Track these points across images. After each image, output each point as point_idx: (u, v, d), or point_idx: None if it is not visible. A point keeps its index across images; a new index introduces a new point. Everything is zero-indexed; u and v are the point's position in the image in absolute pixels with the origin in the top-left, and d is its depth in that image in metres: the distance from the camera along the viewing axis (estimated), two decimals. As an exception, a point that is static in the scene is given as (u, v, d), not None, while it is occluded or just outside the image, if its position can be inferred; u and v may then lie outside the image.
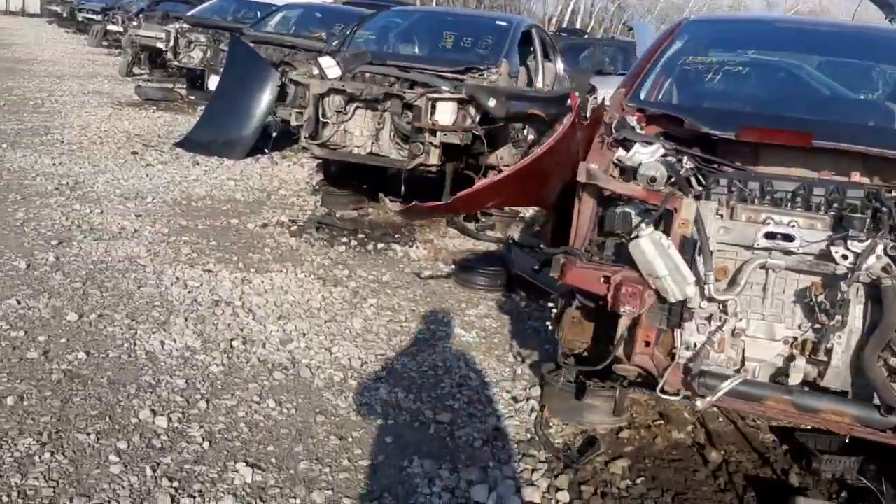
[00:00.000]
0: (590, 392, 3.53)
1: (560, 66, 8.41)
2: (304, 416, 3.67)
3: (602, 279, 2.66)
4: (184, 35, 12.90)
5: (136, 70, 16.65)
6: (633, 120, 3.02)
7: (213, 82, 9.66)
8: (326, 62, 6.45)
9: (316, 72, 6.58)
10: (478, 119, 6.20)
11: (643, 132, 3.00)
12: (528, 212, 7.44)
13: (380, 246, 6.38)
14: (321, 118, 6.47)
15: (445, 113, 6.14)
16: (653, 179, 2.70)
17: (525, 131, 6.97)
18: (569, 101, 6.36)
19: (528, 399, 3.95)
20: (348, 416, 3.71)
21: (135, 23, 15.91)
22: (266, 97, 9.27)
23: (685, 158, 2.85)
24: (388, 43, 7.61)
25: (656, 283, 2.56)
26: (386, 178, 7.64)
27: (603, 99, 3.22)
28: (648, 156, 2.76)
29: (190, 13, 13.72)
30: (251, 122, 9.30)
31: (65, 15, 30.45)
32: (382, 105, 6.35)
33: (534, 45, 7.71)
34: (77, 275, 5.09)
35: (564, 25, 40.64)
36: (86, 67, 17.59)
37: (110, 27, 21.49)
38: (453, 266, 5.97)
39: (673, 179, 2.76)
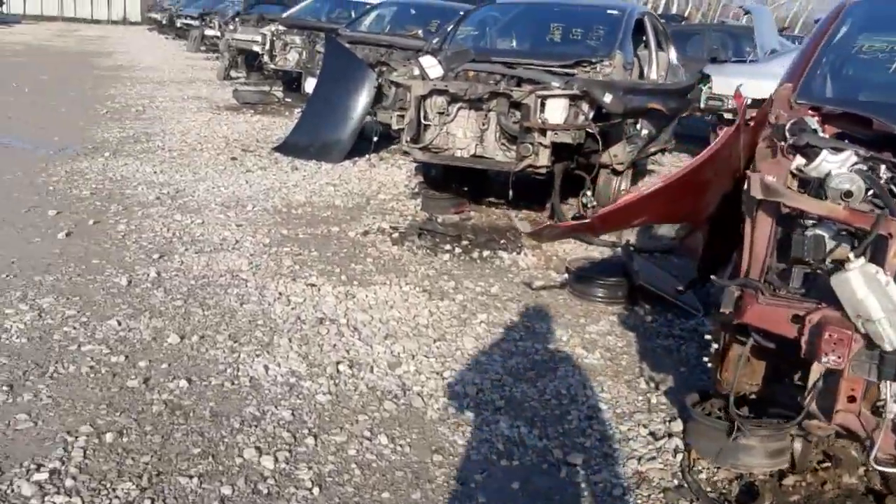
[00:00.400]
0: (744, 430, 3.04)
1: (673, 55, 7.83)
2: (419, 454, 3.32)
3: (792, 319, 2.19)
4: (279, 37, 12.80)
5: (232, 73, 16.78)
6: (813, 121, 2.52)
7: (309, 85, 9.47)
8: (427, 62, 6.10)
9: (416, 72, 6.23)
10: (591, 116, 5.73)
11: (826, 136, 2.50)
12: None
13: (485, 253, 5.98)
14: (423, 120, 6.11)
15: (556, 111, 5.70)
16: (848, 194, 2.21)
17: (638, 127, 6.46)
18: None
19: (669, 436, 3.49)
20: (468, 456, 3.33)
21: (231, 27, 16.01)
22: (363, 99, 9.02)
23: (883, 168, 2.35)
24: (490, 38, 7.20)
25: (867, 326, 2.08)
26: (488, 179, 7.26)
27: (770, 97, 2.71)
28: (839, 165, 2.27)
29: (285, 15, 13.62)
30: (349, 125, 9.06)
31: (164, 22, 31.23)
32: (487, 105, 5.95)
33: (646, 33, 7.17)
34: (178, 291, 4.88)
35: (660, 11, 39.55)
36: (185, 73, 17.82)
37: (207, 32, 21.81)
38: (566, 275, 5.52)
39: (872, 193, 2.25)
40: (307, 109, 9.33)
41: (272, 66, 13.03)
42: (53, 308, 4.50)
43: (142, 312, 4.51)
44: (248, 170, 8.42)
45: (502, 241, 6.28)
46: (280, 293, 4.96)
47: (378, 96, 9.10)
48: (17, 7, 43.13)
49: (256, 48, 13.32)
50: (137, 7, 45.70)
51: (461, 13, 10.14)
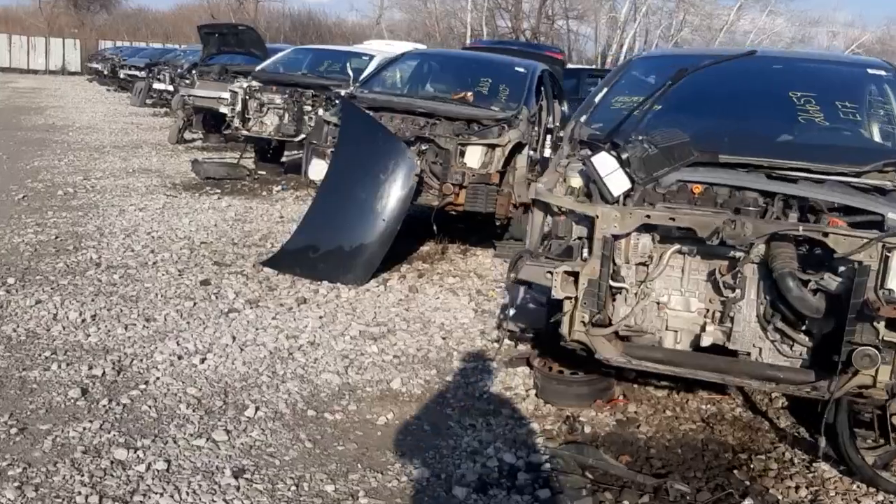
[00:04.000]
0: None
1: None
2: None
3: None
4: (253, 96, 9.69)
5: (187, 135, 13.61)
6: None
7: (316, 170, 6.35)
8: (605, 164, 3.07)
9: (575, 182, 3.20)
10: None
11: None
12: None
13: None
14: (612, 282, 3.04)
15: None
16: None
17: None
18: None
19: None
20: None
21: (187, 80, 12.83)
22: (398, 191, 6.02)
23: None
24: (694, 118, 4.04)
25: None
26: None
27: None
28: None
29: (260, 67, 10.49)
30: (377, 229, 6.01)
31: (106, 72, 27.81)
32: (748, 255, 2.92)
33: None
34: None
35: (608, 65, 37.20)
36: (129, 134, 14.52)
37: (156, 85, 18.48)
38: None
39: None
40: (316, 205, 6.20)
41: (244, 131, 9.86)
42: None
43: None
44: (231, 307, 5.25)
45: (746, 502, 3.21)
46: None
47: (418, 188, 6.08)
48: (-55, 56, 39.27)
49: (223, 109, 10.15)
50: (77, 57, 42.07)
51: (519, 69, 7.26)
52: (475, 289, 6.04)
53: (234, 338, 4.69)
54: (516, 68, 7.16)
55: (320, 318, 5.17)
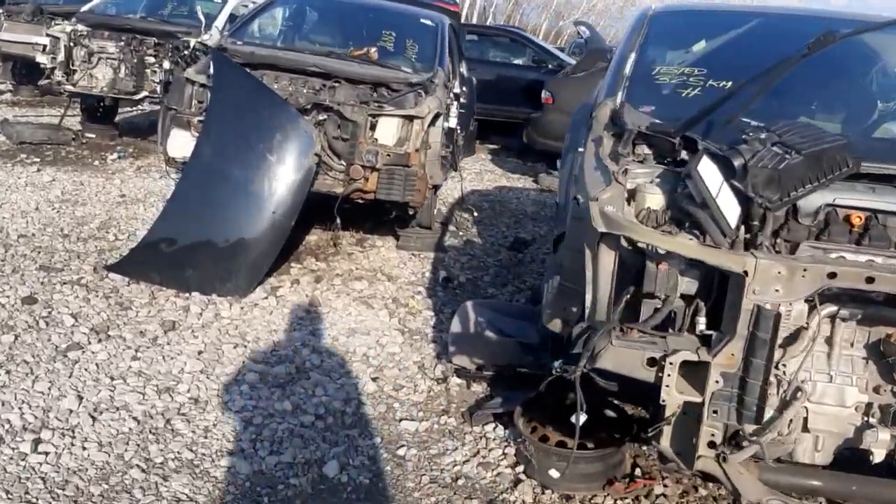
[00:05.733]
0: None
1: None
2: None
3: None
4: (80, 43, 7.73)
5: (-8, 87, 11.19)
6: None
7: (177, 144, 4.66)
8: (711, 174, 1.85)
9: (654, 202, 1.98)
10: None
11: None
12: None
13: None
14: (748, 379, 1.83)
15: None
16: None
17: None
18: None
19: None
20: None
21: (-10, 21, 10.42)
22: (292, 174, 4.58)
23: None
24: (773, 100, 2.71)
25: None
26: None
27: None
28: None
29: (86, 8, 8.44)
30: (261, 223, 4.58)
31: None
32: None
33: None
34: None
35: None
36: (-84, 84, 11.76)
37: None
38: None
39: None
40: (181, 192, 4.61)
41: (69, 86, 7.89)
42: None
43: None
44: (71, 341, 3.70)
45: None
46: None
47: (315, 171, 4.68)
48: None
49: (40, 58, 8.08)
50: None
51: (426, 21, 5.93)
52: (390, 296, 4.77)
53: (80, 397, 3.18)
54: (422, 20, 5.83)
55: (199, 353, 3.73)
